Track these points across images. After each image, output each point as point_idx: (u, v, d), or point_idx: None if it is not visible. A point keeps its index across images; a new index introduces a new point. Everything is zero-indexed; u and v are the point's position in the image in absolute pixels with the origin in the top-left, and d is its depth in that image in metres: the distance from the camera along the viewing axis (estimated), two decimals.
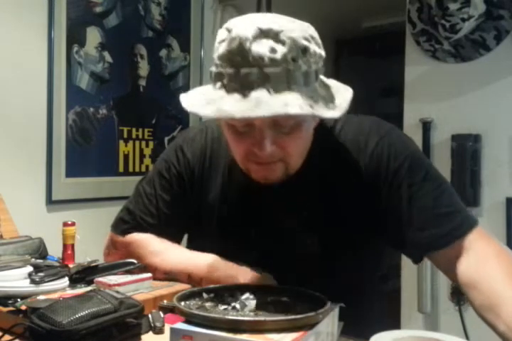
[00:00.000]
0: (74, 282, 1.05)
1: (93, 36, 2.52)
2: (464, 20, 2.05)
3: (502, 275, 0.91)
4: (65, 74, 2.41)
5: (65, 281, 1.03)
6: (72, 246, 1.35)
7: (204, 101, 0.92)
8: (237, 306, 0.80)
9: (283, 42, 0.87)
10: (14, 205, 1.97)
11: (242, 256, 1.07)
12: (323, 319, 0.77)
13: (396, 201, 1.02)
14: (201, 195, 1.13)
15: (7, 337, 0.85)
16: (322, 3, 3.14)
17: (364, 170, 1.04)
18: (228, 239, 1.10)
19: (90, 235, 1.68)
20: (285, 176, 1.01)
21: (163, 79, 2.84)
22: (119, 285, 0.98)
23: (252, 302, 0.81)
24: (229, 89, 0.89)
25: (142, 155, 2.76)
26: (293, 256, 1.06)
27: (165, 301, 0.96)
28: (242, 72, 0.87)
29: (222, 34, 0.93)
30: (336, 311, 0.82)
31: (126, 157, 2.69)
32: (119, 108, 2.64)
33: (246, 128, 0.94)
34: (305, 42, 0.89)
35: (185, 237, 1.24)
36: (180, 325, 0.74)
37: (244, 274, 1.03)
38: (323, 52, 0.95)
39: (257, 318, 0.74)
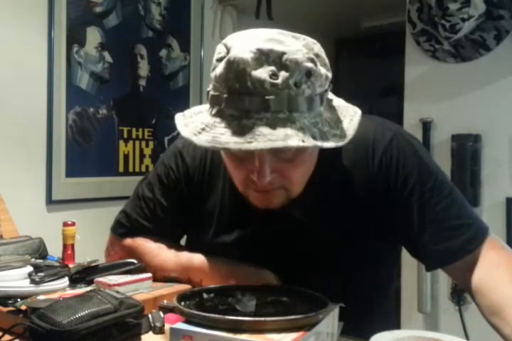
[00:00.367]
0: (74, 282, 1.05)
1: (93, 36, 2.52)
2: (463, 20, 2.04)
3: (510, 280, 0.91)
4: (65, 74, 2.41)
5: (65, 281, 1.03)
6: (72, 246, 1.35)
7: (199, 126, 0.87)
8: (237, 306, 0.80)
9: (285, 67, 0.82)
10: (14, 205, 1.97)
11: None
12: (323, 319, 0.77)
13: (407, 210, 0.98)
14: (200, 202, 1.11)
15: (7, 337, 0.85)
16: (322, 3, 3.14)
17: (373, 179, 1.00)
18: (227, 247, 1.08)
19: (90, 235, 1.68)
20: (286, 202, 0.96)
21: (163, 79, 2.84)
22: (119, 285, 0.98)
23: (252, 303, 0.81)
24: (225, 116, 0.84)
25: (142, 155, 2.76)
26: (299, 267, 1.03)
27: (165, 301, 0.96)
28: (240, 98, 0.82)
29: (220, 51, 0.87)
30: (336, 311, 0.82)
31: (126, 157, 2.69)
32: (119, 108, 2.64)
33: (245, 154, 0.89)
34: (309, 65, 0.83)
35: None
36: (180, 325, 0.74)
37: (244, 274, 1.03)
38: (329, 73, 0.89)
39: (257, 318, 0.74)
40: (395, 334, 0.77)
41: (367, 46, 3.82)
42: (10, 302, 0.95)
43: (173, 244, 1.16)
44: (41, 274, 1.01)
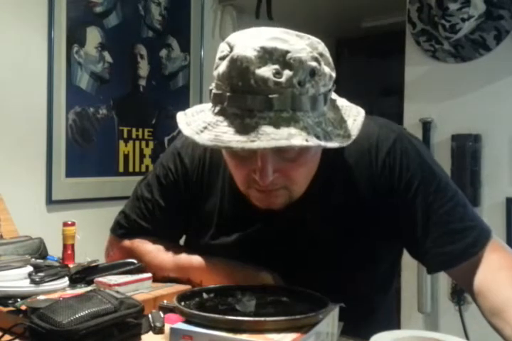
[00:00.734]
0: (74, 282, 1.05)
1: (93, 36, 2.52)
2: (463, 20, 2.05)
3: (511, 282, 0.90)
4: (65, 74, 2.41)
5: (65, 281, 1.03)
6: (72, 246, 1.35)
7: (201, 125, 0.86)
8: (237, 306, 0.80)
9: (289, 65, 0.81)
10: (14, 205, 1.97)
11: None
12: (323, 319, 0.77)
13: (410, 212, 0.98)
14: (199, 202, 1.10)
15: (7, 337, 0.85)
16: (322, 3, 3.14)
17: (376, 180, 0.99)
18: (227, 248, 1.07)
19: (90, 235, 1.68)
20: (288, 202, 0.95)
21: (163, 79, 2.84)
22: (119, 285, 0.98)
23: (252, 303, 0.81)
24: (228, 114, 0.83)
25: (142, 155, 2.76)
26: (299, 266, 1.03)
27: (165, 301, 0.96)
28: (243, 97, 0.81)
29: (223, 49, 0.86)
30: (336, 311, 0.82)
31: (126, 157, 2.69)
32: (119, 108, 2.64)
33: (248, 153, 0.87)
34: (313, 64, 0.82)
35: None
36: (180, 325, 0.74)
37: (243, 275, 1.03)
38: (333, 73, 0.88)
39: (257, 318, 0.74)
40: (395, 334, 0.77)
41: (367, 46, 3.82)
42: (10, 302, 0.95)
43: (172, 244, 1.16)
44: (41, 274, 1.01)
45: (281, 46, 0.82)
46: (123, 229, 1.18)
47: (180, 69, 2.91)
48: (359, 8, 3.28)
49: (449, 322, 2.16)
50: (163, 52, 2.84)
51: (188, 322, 0.74)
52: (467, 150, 2.10)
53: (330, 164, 0.99)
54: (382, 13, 3.36)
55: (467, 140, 2.10)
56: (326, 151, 0.95)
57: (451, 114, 2.19)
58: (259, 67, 0.80)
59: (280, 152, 0.87)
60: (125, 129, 2.68)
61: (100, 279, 1.02)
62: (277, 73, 0.80)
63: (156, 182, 1.14)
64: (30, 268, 1.05)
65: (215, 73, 0.87)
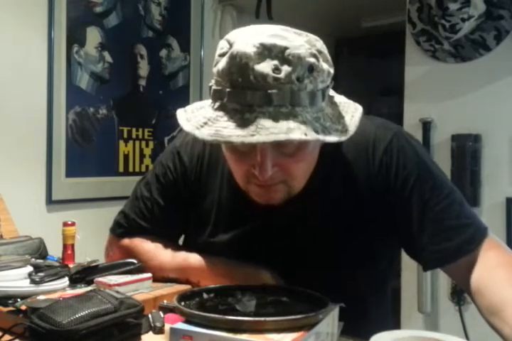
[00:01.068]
0: (74, 282, 1.05)
1: (93, 36, 2.52)
2: (463, 20, 2.04)
3: (508, 281, 0.90)
4: (65, 74, 2.41)
5: (65, 281, 1.03)
6: (72, 246, 1.35)
7: (202, 120, 0.87)
8: (237, 306, 0.80)
9: (288, 61, 0.82)
10: (14, 205, 1.97)
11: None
12: (323, 319, 0.77)
13: (407, 210, 0.99)
14: (198, 200, 1.11)
15: (7, 337, 0.85)
16: (322, 3, 3.14)
17: (373, 178, 1.00)
18: (226, 244, 1.07)
19: (90, 235, 1.68)
20: (287, 198, 0.96)
21: (163, 79, 2.84)
22: (119, 285, 0.98)
23: (252, 302, 0.81)
24: (228, 110, 0.84)
25: (142, 155, 2.76)
26: (298, 263, 1.04)
27: (165, 301, 0.96)
28: (243, 92, 0.82)
29: (222, 46, 0.87)
30: (336, 311, 0.82)
31: (126, 157, 2.69)
32: (119, 108, 2.64)
33: (247, 148, 0.89)
34: (312, 60, 0.84)
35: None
36: (180, 325, 0.74)
37: (242, 274, 1.03)
38: (331, 69, 0.89)
39: (257, 318, 0.74)
40: (395, 334, 0.77)
41: (367, 46, 3.82)
42: (10, 302, 0.95)
43: (171, 243, 1.16)
44: (41, 274, 1.01)
45: (280, 43, 0.83)
46: (122, 228, 1.18)
47: (180, 69, 2.91)
48: (359, 8, 3.27)
49: (449, 322, 2.16)
50: (163, 52, 2.84)
51: (188, 322, 0.74)
52: (467, 150, 2.10)
53: (329, 160, 1.00)
54: (382, 13, 3.36)
55: (467, 140, 2.10)
56: (324, 147, 0.97)
57: (451, 114, 2.19)
58: (259, 63, 0.81)
59: (279, 147, 0.88)
60: (125, 129, 2.68)
61: (100, 279, 1.02)
62: (276, 69, 0.81)
63: (155, 181, 1.15)
64: (30, 268, 1.05)
65: (215, 70, 0.87)
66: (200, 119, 0.87)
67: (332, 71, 0.89)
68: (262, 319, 0.73)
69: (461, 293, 2.10)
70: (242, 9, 3.06)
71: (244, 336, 0.70)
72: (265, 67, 0.81)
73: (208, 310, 0.78)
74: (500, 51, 2.07)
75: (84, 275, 1.06)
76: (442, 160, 2.15)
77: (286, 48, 0.82)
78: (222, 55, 0.86)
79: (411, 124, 2.26)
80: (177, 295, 0.83)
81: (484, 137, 2.11)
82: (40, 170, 2.36)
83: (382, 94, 3.79)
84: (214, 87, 0.87)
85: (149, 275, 1.05)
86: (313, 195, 1.00)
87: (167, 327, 0.83)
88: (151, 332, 0.87)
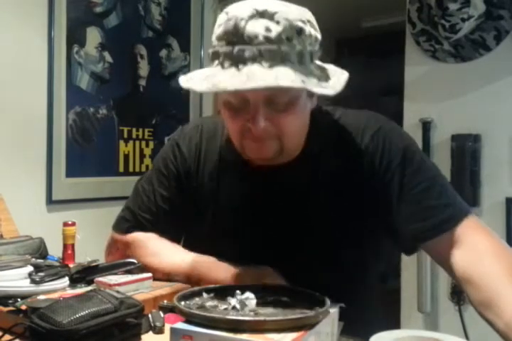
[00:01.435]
0: (74, 282, 1.05)
1: (93, 36, 2.52)
2: (463, 20, 2.05)
3: (501, 271, 0.91)
4: (65, 74, 2.41)
5: (65, 281, 1.03)
6: (73, 246, 1.35)
7: (200, 78, 0.94)
8: (237, 306, 0.80)
9: (278, 23, 0.89)
10: (14, 205, 1.97)
11: (237, 246, 1.09)
12: (323, 319, 0.77)
13: (387, 193, 1.03)
14: (197, 189, 1.14)
15: (7, 336, 0.85)
16: (322, 2, 3.14)
17: (359, 164, 1.05)
18: (225, 229, 1.11)
19: (90, 235, 1.68)
20: (279, 154, 1.01)
21: (163, 79, 2.84)
22: (119, 285, 0.98)
23: (252, 302, 0.81)
24: (224, 65, 0.91)
25: (142, 155, 2.76)
26: (288, 242, 1.07)
27: (165, 301, 0.96)
28: (237, 48, 0.89)
29: (220, 18, 0.95)
30: (336, 311, 0.82)
31: (126, 157, 2.69)
32: (119, 108, 2.64)
33: (242, 104, 0.95)
34: (300, 24, 0.91)
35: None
36: (180, 325, 0.74)
37: (243, 274, 1.03)
38: (319, 35, 0.96)
39: (257, 318, 0.74)
40: (395, 334, 0.77)
41: (367, 46, 3.82)
42: (10, 302, 0.94)
43: (175, 242, 1.18)
44: (41, 274, 1.01)
45: (272, 8, 0.91)
46: (128, 223, 1.19)
47: (180, 69, 2.91)
48: (359, 8, 3.28)
49: (449, 322, 2.16)
50: (163, 52, 2.84)
51: (188, 322, 0.74)
52: (467, 150, 2.10)
53: (321, 139, 1.07)
54: (382, 13, 3.36)
55: (467, 140, 2.10)
56: (316, 125, 1.06)
57: (451, 114, 2.19)
58: (251, 24, 0.89)
59: (271, 103, 0.94)
60: (125, 129, 2.68)
61: (100, 279, 1.02)
62: (267, 29, 0.89)
63: (156, 173, 1.18)
64: (30, 268, 1.05)
65: (213, 37, 0.95)
66: (199, 77, 0.95)
67: (319, 37, 0.97)
68: (262, 319, 0.73)
69: (461, 292, 2.10)
70: None
71: (244, 336, 0.70)
72: (257, 26, 0.89)
73: (207, 310, 0.78)
74: (500, 51, 2.07)
75: (84, 275, 1.06)
76: (442, 160, 2.15)
77: (276, 12, 0.90)
78: (220, 25, 0.94)
79: (411, 124, 2.26)
80: (177, 295, 0.83)
81: (484, 137, 2.11)
82: (41, 170, 2.36)
83: (382, 94, 3.79)
84: (211, 51, 0.95)
85: (149, 275, 1.06)
86: (307, 163, 1.06)
87: (167, 327, 0.83)
88: (151, 332, 0.87)
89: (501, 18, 2.05)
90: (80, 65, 2.47)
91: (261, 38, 0.88)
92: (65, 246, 1.35)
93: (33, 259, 1.15)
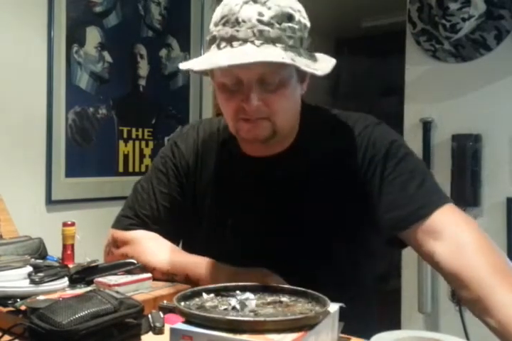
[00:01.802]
0: (74, 282, 1.04)
1: (93, 36, 2.52)
2: (464, 19, 2.04)
3: (485, 265, 0.91)
4: (64, 74, 2.41)
5: (64, 281, 1.03)
6: (72, 246, 1.35)
7: (197, 60, 1.02)
8: (237, 306, 0.80)
9: (270, 8, 0.96)
10: (14, 205, 1.96)
11: (232, 239, 1.12)
12: (323, 319, 0.76)
13: (371, 187, 1.06)
14: (195, 184, 1.17)
15: (7, 337, 0.85)
16: (322, 2, 3.14)
17: (348, 158, 1.08)
18: (221, 223, 1.13)
19: (90, 235, 1.68)
20: (272, 137, 1.05)
21: (163, 79, 2.84)
22: (118, 285, 0.98)
23: (252, 302, 0.80)
24: (220, 46, 0.98)
25: (142, 155, 2.75)
26: (282, 233, 1.10)
27: (165, 301, 0.96)
28: (232, 30, 0.96)
29: (217, 8, 1.03)
30: (336, 311, 0.82)
31: (126, 157, 2.69)
32: (119, 108, 2.64)
33: (236, 86, 1.01)
34: (291, 11, 0.98)
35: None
36: (180, 326, 0.73)
37: (243, 275, 1.03)
38: (308, 23, 1.02)
39: (257, 318, 0.74)
40: (395, 335, 0.77)
41: (367, 46, 3.82)
42: (9, 302, 0.94)
43: (175, 241, 1.19)
44: (41, 274, 1.00)
45: None
46: (128, 220, 1.20)
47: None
48: (359, 8, 3.28)
49: (450, 322, 2.16)
50: (163, 52, 2.84)
51: (187, 322, 0.74)
52: (467, 150, 2.10)
53: (312, 134, 1.12)
54: (382, 13, 3.36)
55: (467, 140, 2.10)
56: (310, 126, 1.11)
57: (452, 114, 2.19)
58: (245, 9, 0.96)
59: (263, 83, 0.99)
60: (125, 129, 2.67)
61: (100, 279, 1.02)
62: (260, 14, 0.96)
63: (155, 172, 1.21)
64: (29, 269, 1.05)
65: (211, 25, 1.02)
66: (197, 60, 1.03)
67: (309, 25, 1.03)
68: (262, 319, 0.73)
69: None
70: None
71: (244, 336, 0.70)
72: (251, 11, 0.96)
73: (207, 311, 0.78)
74: (500, 51, 2.07)
75: (83, 275, 1.05)
76: (442, 160, 2.15)
77: (268, 0, 0.97)
78: (217, 14, 1.01)
79: (411, 124, 2.26)
80: (177, 295, 0.83)
81: (484, 137, 2.11)
82: (40, 170, 2.36)
83: (383, 94, 3.79)
84: (209, 37, 1.02)
85: (149, 275, 1.05)
86: (299, 156, 1.11)
87: (167, 327, 0.83)
88: (150, 333, 0.87)
89: (502, 17, 2.05)
90: (79, 64, 2.46)
91: (254, 20, 0.95)
92: (64, 247, 1.34)
93: (33, 259, 1.15)
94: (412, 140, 2.22)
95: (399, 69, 2.39)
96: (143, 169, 2.73)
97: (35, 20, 2.32)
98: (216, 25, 1.00)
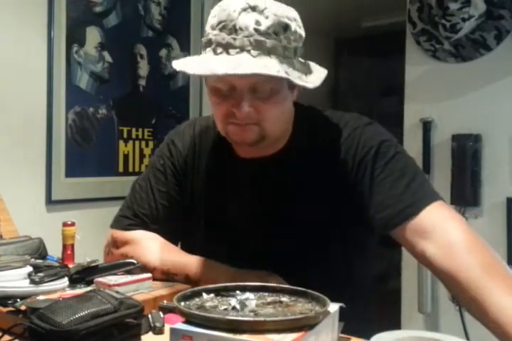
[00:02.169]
0: (74, 282, 1.04)
1: (93, 36, 2.52)
2: (464, 19, 2.04)
3: (477, 264, 0.91)
4: (64, 74, 2.41)
5: (64, 281, 1.03)
6: (72, 246, 1.35)
7: (193, 62, 1.01)
8: (237, 306, 0.80)
9: (267, 17, 0.97)
10: (14, 205, 1.96)
11: (228, 241, 1.12)
12: (323, 319, 0.76)
13: (360, 187, 1.06)
14: (193, 182, 1.18)
15: (7, 337, 0.85)
16: (322, 3, 3.14)
17: (338, 160, 1.09)
18: (217, 224, 1.15)
19: (90, 235, 1.68)
20: (261, 141, 1.06)
21: (163, 79, 2.84)
22: (118, 285, 0.98)
23: (252, 302, 0.80)
24: (216, 51, 0.98)
25: (142, 155, 2.75)
26: (275, 234, 1.10)
27: (165, 301, 0.96)
28: (229, 37, 0.96)
29: (214, 10, 1.02)
30: (336, 311, 0.82)
31: (126, 157, 2.69)
32: (119, 108, 2.64)
33: (228, 91, 1.02)
34: (287, 21, 0.99)
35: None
36: (180, 326, 0.73)
37: (243, 275, 1.03)
38: (303, 33, 1.04)
39: (257, 318, 0.73)
40: (395, 335, 0.77)
41: (367, 46, 3.82)
42: (9, 302, 0.94)
43: (174, 241, 1.19)
44: (41, 274, 1.00)
45: (262, 4, 0.98)
46: (128, 220, 1.20)
47: None
48: (359, 8, 3.27)
49: (450, 322, 2.16)
50: (163, 52, 2.84)
51: (187, 322, 0.74)
52: (467, 150, 2.10)
53: (304, 137, 1.13)
54: (382, 13, 3.36)
55: (467, 140, 2.10)
56: (302, 128, 1.13)
57: (452, 114, 2.19)
58: (243, 16, 0.97)
59: (255, 91, 1.01)
60: (125, 129, 2.67)
61: (100, 279, 1.02)
62: (257, 22, 0.96)
63: (153, 171, 1.21)
64: (29, 269, 1.04)
65: (207, 26, 1.02)
66: (192, 62, 1.02)
67: (303, 35, 1.04)
68: (262, 319, 0.73)
69: None
70: None
71: (244, 336, 0.70)
72: (248, 19, 0.96)
73: (207, 311, 0.78)
74: (500, 51, 2.07)
75: (83, 275, 1.05)
76: (443, 160, 2.15)
77: (266, 8, 0.98)
78: (214, 16, 1.01)
79: (411, 124, 2.26)
80: (177, 295, 0.83)
81: (484, 137, 2.11)
82: (40, 170, 2.36)
83: (383, 94, 3.79)
84: (205, 39, 1.02)
85: (149, 275, 1.05)
86: (291, 158, 1.12)
87: (167, 327, 0.83)
88: (150, 333, 0.86)
89: (502, 17, 2.05)
90: (79, 64, 2.46)
91: (251, 29, 0.96)
92: (64, 247, 1.34)
93: (33, 260, 1.14)
94: (412, 140, 2.22)
95: (399, 69, 2.39)
96: (143, 169, 2.72)
97: (35, 20, 2.32)
98: (213, 28, 1.00)
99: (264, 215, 1.12)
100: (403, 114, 2.32)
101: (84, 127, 2.50)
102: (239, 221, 1.13)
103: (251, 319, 0.73)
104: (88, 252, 1.26)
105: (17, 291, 0.97)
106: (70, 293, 0.98)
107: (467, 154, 2.09)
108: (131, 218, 1.20)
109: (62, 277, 1.04)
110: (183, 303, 0.80)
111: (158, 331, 0.86)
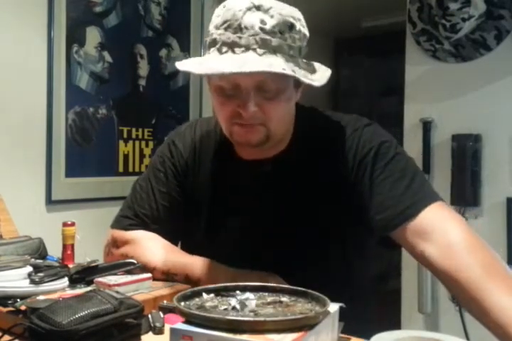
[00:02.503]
0: (74, 282, 1.04)
1: (93, 36, 2.52)
2: (464, 19, 2.04)
3: (477, 265, 0.91)
4: (64, 74, 2.41)
5: (64, 281, 1.03)
6: (72, 246, 1.35)
7: (197, 62, 1.00)
8: (237, 306, 0.80)
9: (272, 16, 0.96)
10: (14, 205, 1.96)
11: (228, 242, 1.12)
12: (323, 319, 0.76)
13: (361, 188, 1.06)
14: (193, 183, 1.18)
15: (7, 337, 0.85)
16: (322, 2, 3.14)
17: (339, 161, 1.09)
18: (218, 224, 1.14)
19: (90, 235, 1.68)
20: (265, 142, 1.05)
21: (163, 79, 2.84)
22: (118, 285, 0.98)
23: (252, 302, 0.80)
24: (221, 51, 0.97)
25: (142, 155, 2.75)
26: (276, 235, 1.10)
27: (165, 301, 0.96)
28: (234, 36, 0.96)
29: (219, 9, 1.02)
30: (336, 311, 0.82)
31: (126, 157, 2.69)
32: (119, 108, 2.64)
33: (233, 91, 1.01)
34: (292, 20, 0.99)
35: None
36: (180, 326, 0.73)
37: (243, 275, 1.03)
38: (307, 33, 1.03)
39: (257, 318, 0.73)
40: (395, 335, 0.77)
41: (367, 46, 3.82)
42: (9, 302, 0.94)
43: (175, 241, 1.19)
44: (41, 274, 1.00)
45: (267, 4, 0.98)
46: (128, 220, 1.20)
47: None
48: (359, 8, 3.27)
49: (450, 322, 2.16)
50: (163, 52, 2.84)
51: (187, 322, 0.74)
52: (467, 150, 2.10)
53: (305, 136, 1.13)
54: (382, 13, 3.36)
55: (467, 140, 2.10)
56: (303, 129, 1.12)
57: (452, 114, 2.19)
58: (248, 15, 0.96)
59: (260, 90, 1.00)
60: (125, 129, 2.67)
61: (100, 279, 1.01)
62: (262, 21, 0.96)
63: (153, 171, 1.21)
64: (29, 269, 1.04)
65: (211, 26, 1.02)
66: (196, 62, 1.01)
67: (307, 34, 1.04)
68: (262, 319, 0.73)
69: None
70: None
71: (244, 336, 0.70)
72: (253, 18, 0.96)
73: (207, 311, 0.78)
74: (500, 51, 2.07)
75: (83, 275, 1.05)
76: (443, 160, 2.15)
77: (271, 7, 0.98)
78: (218, 16, 1.01)
79: (411, 124, 2.26)
80: (177, 295, 0.83)
81: (484, 137, 2.10)
82: (40, 170, 2.36)
83: (383, 94, 3.79)
84: (209, 39, 1.01)
85: (149, 275, 1.05)
86: (292, 159, 1.12)
87: (167, 327, 0.83)
88: (150, 333, 0.86)
89: (502, 17, 2.05)
90: (79, 64, 2.46)
91: (256, 28, 0.95)
92: (64, 247, 1.34)
93: (33, 260, 1.14)
94: (412, 140, 2.22)
95: (399, 69, 2.39)
96: (143, 169, 2.73)
97: (35, 20, 2.32)
98: (217, 28, 0.99)
99: (265, 215, 1.12)
100: (403, 114, 2.32)
101: (84, 127, 2.50)
102: (239, 221, 1.13)
103: (251, 319, 0.73)
104: (88, 252, 1.26)
105: (17, 291, 0.97)
106: (70, 293, 0.98)
107: (467, 154, 2.09)
108: (131, 218, 1.20)
109: (62, 277, 1.04)
110: (183, 303, 0.80)
111: (158, 331, 0.86)
